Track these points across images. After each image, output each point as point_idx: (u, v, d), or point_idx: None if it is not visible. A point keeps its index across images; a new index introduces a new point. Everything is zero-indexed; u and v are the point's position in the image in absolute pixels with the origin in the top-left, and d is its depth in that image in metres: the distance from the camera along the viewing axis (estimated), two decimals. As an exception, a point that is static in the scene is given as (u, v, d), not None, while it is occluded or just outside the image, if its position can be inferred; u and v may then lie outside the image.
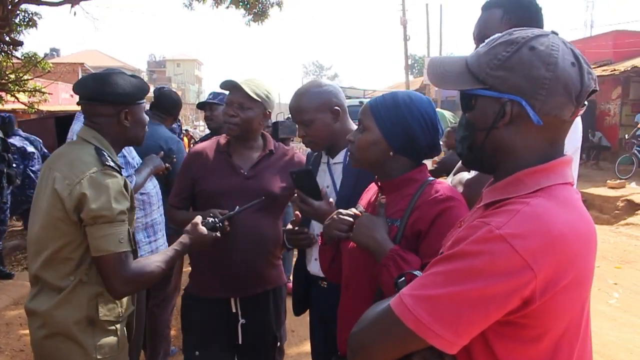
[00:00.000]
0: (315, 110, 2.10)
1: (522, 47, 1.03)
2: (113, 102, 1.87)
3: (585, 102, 1.07)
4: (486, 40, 1.11)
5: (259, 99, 2.33)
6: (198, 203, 2.40)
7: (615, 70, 14.71)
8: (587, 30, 37.27)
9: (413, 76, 37.40)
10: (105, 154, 1.84)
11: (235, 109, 2.31)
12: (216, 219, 2.10)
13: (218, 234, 2.09)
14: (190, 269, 2.56)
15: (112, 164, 1.82)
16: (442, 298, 0.97)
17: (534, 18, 1.79)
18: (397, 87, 32.12)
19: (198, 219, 2.07)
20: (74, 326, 1.80)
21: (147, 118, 2.02)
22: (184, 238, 2.01)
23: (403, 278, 1.22)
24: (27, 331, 4.47)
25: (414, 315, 0.97)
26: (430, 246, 1.40)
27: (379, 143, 1.60)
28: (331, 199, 1.96)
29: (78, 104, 1.92)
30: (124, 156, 2.73)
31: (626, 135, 14.09)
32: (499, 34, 1.10)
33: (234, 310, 2.39)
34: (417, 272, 1.21)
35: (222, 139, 2.47)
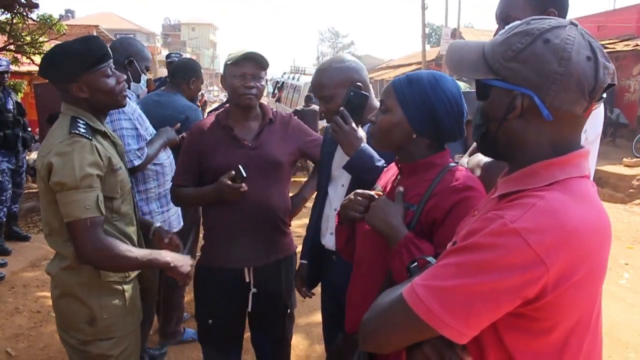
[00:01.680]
0: (335, 85, 2.10)
1: (536, 39, 1.01)
2: (58, 80, 1.92)
3: (604, 96, 1.05)
4: (506, 27, 1.09)
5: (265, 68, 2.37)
6: (205, 180, 2.41)
7: (638, 45, 14.32)
8: (610, 3, 36.30)
9: (430, 46, 36.78)
10: (80, 122, 1.89)
11: (252, 81, 2.32)
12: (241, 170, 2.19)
13: (244, 185, 2.21)
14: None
15: (82, 130, 1.85)
16: (454, 289, 0.97)
17: None
18: (413, 57, 31.65)
19: (225, 175, 2.21)
20: (79, 287, 1.94)
21: (110, 82, 1.95)
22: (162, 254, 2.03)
23: (415, 263, 1.22)
24: (44, 293, 4.61)
25: (425, 305, 0.98)
26: (445, 236, 1.38)
27: (402, 124, 1.55)
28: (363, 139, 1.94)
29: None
30: (136, 128, 2.73)
31: (645, 113, 13.83)
32: (518, 22, 1.07)
33: (247, 280, 2.44)
34: (429, 258, 1.21)
35: (222, 113, 2.46)
